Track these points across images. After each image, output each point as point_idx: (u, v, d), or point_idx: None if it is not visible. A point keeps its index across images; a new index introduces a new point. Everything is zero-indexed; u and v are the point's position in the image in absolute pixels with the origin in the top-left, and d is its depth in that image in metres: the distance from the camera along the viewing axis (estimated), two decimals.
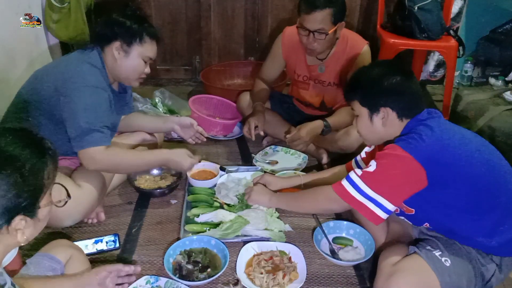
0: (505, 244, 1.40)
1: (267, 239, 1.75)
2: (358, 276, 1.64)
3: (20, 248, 1.07)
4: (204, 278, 1.54)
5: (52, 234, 1.71)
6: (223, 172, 2.13)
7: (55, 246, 1.35)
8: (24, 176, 0.91)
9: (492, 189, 1.38)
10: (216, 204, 1.95)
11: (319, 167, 2.30)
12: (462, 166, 1.35)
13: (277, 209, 1.90)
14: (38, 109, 1.71)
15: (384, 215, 1.42)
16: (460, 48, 2.87)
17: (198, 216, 1.85)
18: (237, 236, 1.76)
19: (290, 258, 1.65)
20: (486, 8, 3.20)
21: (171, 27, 3.34)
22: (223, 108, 2.73)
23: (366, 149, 1.78)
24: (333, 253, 1.69)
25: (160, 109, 2.85)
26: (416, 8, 2.77)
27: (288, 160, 2.33)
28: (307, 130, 2.16)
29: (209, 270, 1.57)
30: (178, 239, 1.72)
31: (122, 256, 1.69)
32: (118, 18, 1.75)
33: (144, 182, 2.07)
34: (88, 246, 1.67)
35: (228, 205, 1.93)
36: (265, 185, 1.89)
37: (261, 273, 1.55)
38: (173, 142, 2.46)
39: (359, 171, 1.45)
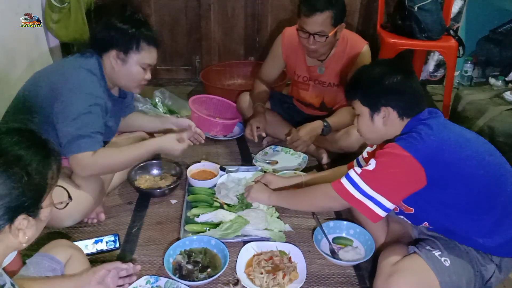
0: (505, 244, 1.40)
1: (267, 239, 1.75)
2: (358, 276, 1.64)
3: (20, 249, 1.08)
4: (204, 278, 1.54)
5: (52, 234, 1.71)
6: (223, 172, 2.13)
7: (55, 246, 1.35)
8: (29, 175, 0.91)
9: (491, 189, 1.38)
10: (216, 204, 1.95)
11: (319, 167, 2.30)
12: (462, 166, 1.35)
13: (277, 209, 1.90)
14: (35, 111, 1.70)
15: (382, 213, 1.42)
16: (460, 48, 2.87)
17: (198, 216, 1.85)
18: (237, 236, 1.75)
19: (290, 258, 1.65)
20: (486, 8, 3.21)
21: (171, 27, 3.34)
22: (223, 108, 2.73)
23: (368, 149, 1.78)
24: (333, 253, 1.69)
25: (160, 109, 2.86)
26: (416, 8, 2.78)
27: (288, 160, 2.33)
28: (307, 130, 2.16)
29: (209, 270, 1.57)
30: (178, 239, 1.72)
31: (122, 256, 1.69)
32: (114, 25, 1.71)
33: (144, 182, 2.07)
34: (88, 246, 1.67)
35: (228, 205, 1.93)
36: (266, 184, 1.89)
37: (261, 273, 1.55)
38: None
39: (358, 169, 1.45)
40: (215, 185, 2.05)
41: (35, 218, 0.96)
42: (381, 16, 3.08)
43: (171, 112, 2.87)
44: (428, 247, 1.45)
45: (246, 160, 2.38)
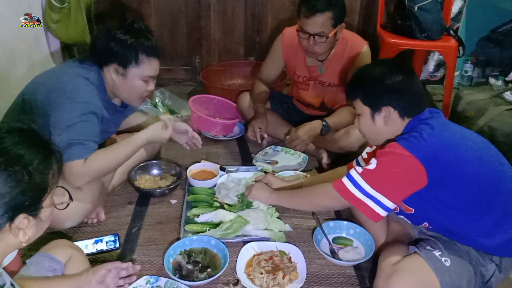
0: (505, 244, 1.40)
1: (267, 239, 1.75)
2: (358, 276, 1.64)
3: (20, 248, 1.08)
4: (204, 278, 1.54)
5: (52, 234, 1.71)
6: (223, 172, 2.13)
7: (55, 246, 1.35)
8: (29, 175, 0.92)
9: (492, 189, 1.38)
10: (216, 204, 1.95)
11: (319, 167, 2.30)
12: (462, 166, 1.35)
13: (277, 209, 1.90)
14: (34, 114, 1.69)
15: (383, 213, 1.42)
16: (460, 48, 2.87)
17: (198, 216, 1.85)
18: (237, 236, 1.75)
19: (290, 258, 1.65)
20: (486, 8, 3.20)
21: (171, 27, 3.34)
22: (223, 108, 2.73)
23: (368, 149, 1.78)
24: (333, 253, 1.69)
25: (160, 109, 2.86)
26: (416, 8, 2.78)
27: (288, 160, 2.33)
28: (305, 130, 2.17)
29: (209, 270, 1.57)
30: (178, 239, 1.72)
31: (122, 256, 1.69)
32: (112, 37, 1.67)
33: (144, 182, 2.07)
34: (88, 246, 1.67)
35: (229, 205, 1.93)
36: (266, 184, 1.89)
37: (261, 273, 1.55)
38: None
39: (359, 169, 1.45)
40: (215, 185, 2.05)
41: (36, 218, 0.96)
42: (381, 16, 3.08)
43: (171, 112, 2.87)
44: (428, 247, 1.45)
45: (246, 160, 2.38)
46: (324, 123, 2.19)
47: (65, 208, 1.07)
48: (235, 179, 2.08)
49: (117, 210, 1.95)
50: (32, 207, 0.94)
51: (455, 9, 3.21)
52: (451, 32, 2.94)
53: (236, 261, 1.62)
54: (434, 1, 2.82)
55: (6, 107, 1.80)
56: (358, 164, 1.80)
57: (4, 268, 1.01)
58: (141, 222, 1.88)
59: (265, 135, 2.28)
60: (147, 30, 1.74)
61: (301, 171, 2.18)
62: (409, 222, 1.59)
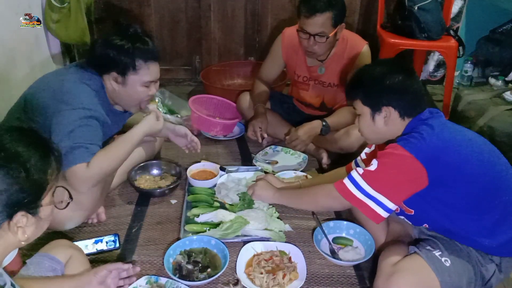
0: (505, 244, 1.40)
1: (267, 239, 1.75)
2: (358, 276, 1.64)
3: (20, 248, 1.08)
4: (204, 278, 1.54)
5: (52, 234, 1.71)
6: (223, 172, 2.13)
7: (55, 246, 1.35)
8: (27, 172, 0.92)
9: (492, 189, 1.38)
10: (216, 204, 1.95)
11: (319, 167, 2.30)
12: (463, 166, 1.35)
13: (277, 209, 1.90)
14: (35, 115, 1.69)
15: (384, 214, 1.42)
16: (460, 48, 2.87)
17: (198, 216, 1.85)
18: (237, 236, 1.75)
19: (290, 258, 1.65)
20: (486, 8, 3.20)
21: (171, 27, 3.34)
22: (223, 108, 2.73)
23: (366, 150, 1.78)
24: (333, 253, 1.69)
25: (160, 109, 2.85)
26: (416, 8, 2.78)
27: (288, 160, 2.33)
28: (305, 130, 2.17)
29: (209, 270, 1.57)
30: (178, 239, 1.72)
31: (122, 256, 1.69)
32: (107, 46, 1.64)
33: (144, 182, 2.07)
34: (88, 246, 1.67)
35: (230, 204, 1.93)
36: None
37: (261, 273, 1.55)
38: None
39: (360, 170, 1.45)
40: (215, 185, 2.05)
41: (35, 216, 0.96)
42: (381, 16, 3.08)
43: (171, 112, 2.87)
44: (428, 247, 1.45)
45: (246, 160, 2.38)
46: (324, 123, 2.19)
47: (65, 207, 1.07)
48: (235, 179, 2.08)
49: (117, 210, 1.95)
50: (30, 204, 0.94)
51: (455, 9, 3.21)
52: (451, 32, 2.94)
53: (236, 261, 1.62)
54: (434, 1, 2.83)
55: (6, 107, 1.80)
56: (357, 165, 1.80)
57: (4, 268, 1.00)
58: (141, 222, 1.87)
59: (265, 135, 2.28)
60: (144, 34, 1.72)
61: (301, 171, 2.18)
62: (409, 222, 1.59)
